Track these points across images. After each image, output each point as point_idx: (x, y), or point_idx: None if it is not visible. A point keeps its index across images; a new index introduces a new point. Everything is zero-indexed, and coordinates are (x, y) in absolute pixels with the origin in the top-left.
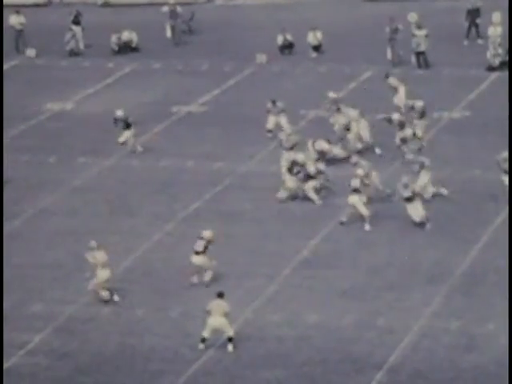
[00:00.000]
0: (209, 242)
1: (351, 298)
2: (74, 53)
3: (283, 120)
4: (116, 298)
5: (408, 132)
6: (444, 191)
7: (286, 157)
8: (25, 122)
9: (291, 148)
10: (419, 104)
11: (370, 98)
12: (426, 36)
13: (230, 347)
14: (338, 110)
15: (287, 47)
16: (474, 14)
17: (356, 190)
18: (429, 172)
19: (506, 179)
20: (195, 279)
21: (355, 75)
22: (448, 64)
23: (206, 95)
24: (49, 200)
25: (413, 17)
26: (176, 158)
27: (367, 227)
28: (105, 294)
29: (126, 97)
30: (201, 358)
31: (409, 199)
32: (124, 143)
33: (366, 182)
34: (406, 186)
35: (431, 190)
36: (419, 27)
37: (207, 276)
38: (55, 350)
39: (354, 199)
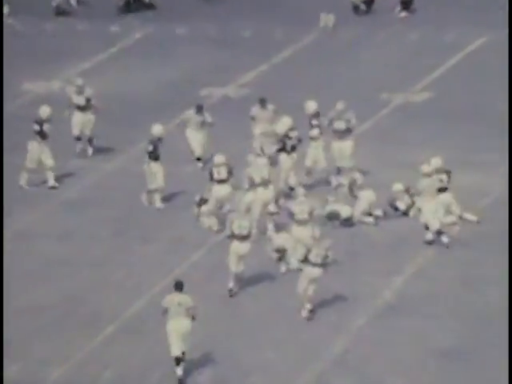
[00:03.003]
0: None
1: (452, 358)
2: (62, 11)
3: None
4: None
5: None
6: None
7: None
8: None
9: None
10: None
11: (479, 75)
12: None
13: (178, 371)
14: None
15: (364, 3)
16: None
17: None
18: None
19: None
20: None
21: (460, 44)
22: None
23: (248, 73)
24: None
25: None
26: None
27: None
28: None
29: (137, 74)
30: None
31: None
32: None
33: None
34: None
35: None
36: None
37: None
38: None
39: None
